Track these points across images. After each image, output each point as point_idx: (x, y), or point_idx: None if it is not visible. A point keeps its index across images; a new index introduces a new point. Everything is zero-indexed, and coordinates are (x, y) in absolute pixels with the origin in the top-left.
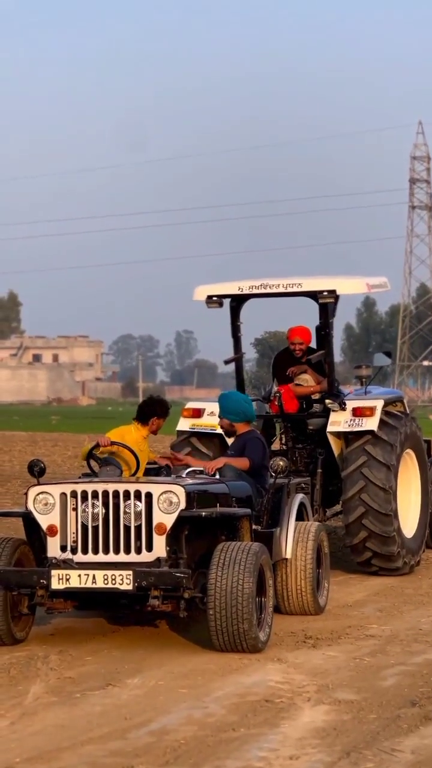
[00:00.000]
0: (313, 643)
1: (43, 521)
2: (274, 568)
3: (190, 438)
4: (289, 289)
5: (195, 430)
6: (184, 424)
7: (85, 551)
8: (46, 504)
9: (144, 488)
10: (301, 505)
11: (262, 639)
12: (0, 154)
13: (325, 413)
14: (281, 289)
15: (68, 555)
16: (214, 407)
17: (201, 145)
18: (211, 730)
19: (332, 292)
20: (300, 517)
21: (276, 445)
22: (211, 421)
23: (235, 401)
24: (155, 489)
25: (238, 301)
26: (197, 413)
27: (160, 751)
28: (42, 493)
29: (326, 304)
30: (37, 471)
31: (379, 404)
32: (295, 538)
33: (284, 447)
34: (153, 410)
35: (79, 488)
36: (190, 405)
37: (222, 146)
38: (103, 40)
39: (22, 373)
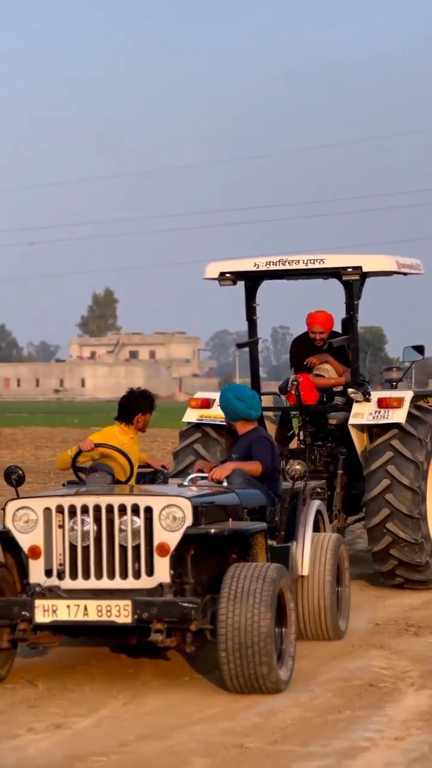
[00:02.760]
0: (416, 631)
1: (24, 541)
2: None
3: (194, 444)
4: (311, 266)
5: (203, 421)
6: (192, 416)
7: (74, 576)
8: (27, 521)
9: (143, 501)
10: (318, 514)
11: (284, 678)
12: (92, 152)
13: (348, 407)
14: (301, 266)
15: (54, 581)
16: None
17: (293, 141)
18: (317, 712)
19: (357, 269)
20: (316, 527)
21: (294, 443)
22: (221, 412)
23: (224, 397)
24: (156, 502)
25: (254, 279)
26: (206, 404)
27: (269, 731)
28: (22, 508)
29: (351, 282)
30: (14, 479)
31: (408, 396)
32: (312, 553)
33: (302, 444)
34: (136, 405)
35: (66, 502)
36: (199, 395)
37: (311, 143)
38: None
39: (119, 370)
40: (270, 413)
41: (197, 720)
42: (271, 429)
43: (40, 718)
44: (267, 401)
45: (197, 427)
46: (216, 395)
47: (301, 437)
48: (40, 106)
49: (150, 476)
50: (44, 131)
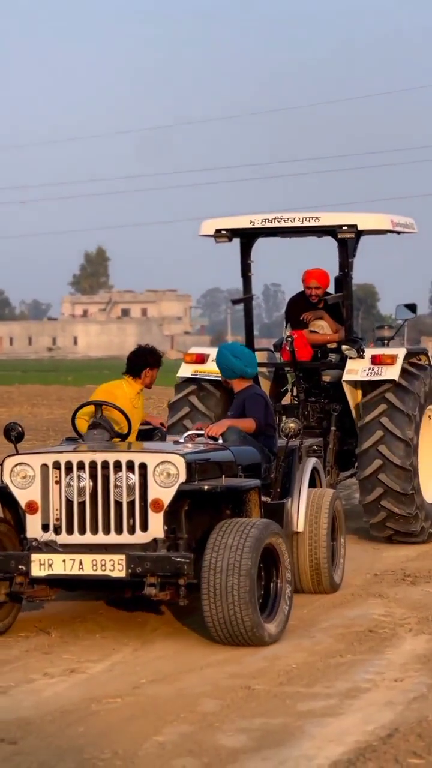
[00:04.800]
0: (412, 581)
1: (22, 497)
2: None
3: (189, 396)
4: (306, 224)
5: (197, 376)
6: (186, 370)
7: (70, 531)
8: (24, 477)
9: (137, 458)
10: (314, 471)
11: (273, 632)
12: (84, 111)
13: (342, 364)
14: (297, 224)
15: (51, 536)
16: None
17: (298, 98)
18: (320, 656)
19: (352, 227)
20: (312, 483)
21: (287, 399)
22: (215, 367)
23: (221, 355)
24: (150, 459)
25: (249, 236)
26: (200, 359)
27: (274, 674)
28: (20, 464)
29: (345, 240)
30: (14, 436)
31: (401, 353)
32: (307, 509)
33: (296, 400)
34: (144, 361)
35: (62, 458)
36: (193, 350)
37: (322, 97)
38: None
39: (110, 327)
40: (264, 369)
41: (205, 664)
42: (265, 385)
43: (55, 663)
44: (261, 357)
45: (192, 381)
46: (210, 351)
47: (295, 393)
48: (33, 62)
49: (147, 433)
50: (36, 89)
